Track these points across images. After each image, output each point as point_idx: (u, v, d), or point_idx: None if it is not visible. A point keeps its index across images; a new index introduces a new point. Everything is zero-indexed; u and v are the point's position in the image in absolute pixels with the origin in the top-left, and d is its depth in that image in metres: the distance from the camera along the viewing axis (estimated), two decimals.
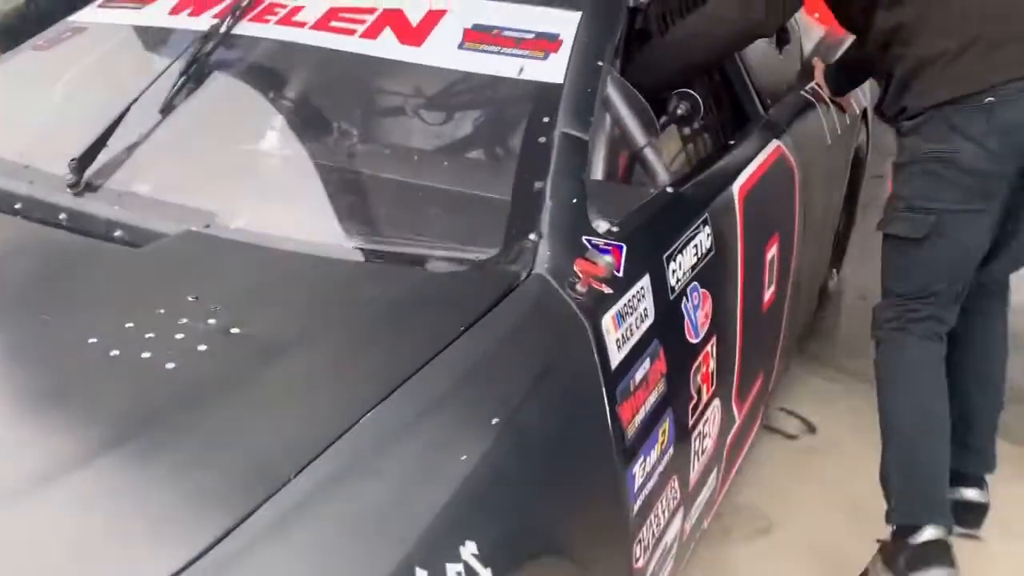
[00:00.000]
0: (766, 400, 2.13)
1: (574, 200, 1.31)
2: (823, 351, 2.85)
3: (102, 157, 1.45)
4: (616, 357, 1.20)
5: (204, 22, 1.72)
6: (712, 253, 1.54)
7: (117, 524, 0.79)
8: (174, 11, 1.81)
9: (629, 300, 1.26)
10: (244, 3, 1.73)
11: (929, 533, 1.76)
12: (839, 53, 2.51)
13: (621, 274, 1.26)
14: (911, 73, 1.77)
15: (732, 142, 1.90)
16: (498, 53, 1.53)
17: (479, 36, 1.57)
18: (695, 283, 1.47)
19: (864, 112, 2.91)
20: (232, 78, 1.65)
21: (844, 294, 3.25)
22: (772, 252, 1.87)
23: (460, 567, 0.82)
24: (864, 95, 2.83)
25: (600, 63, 1.51)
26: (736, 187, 1.69)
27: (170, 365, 0.98)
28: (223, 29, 1.66)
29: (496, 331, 1.08)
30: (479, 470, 0.90)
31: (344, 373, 0.99)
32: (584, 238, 1.27)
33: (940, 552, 1.75)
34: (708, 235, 1.54)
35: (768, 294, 1.87)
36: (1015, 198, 1.79)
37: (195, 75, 1.60)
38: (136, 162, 1.46)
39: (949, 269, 1.80)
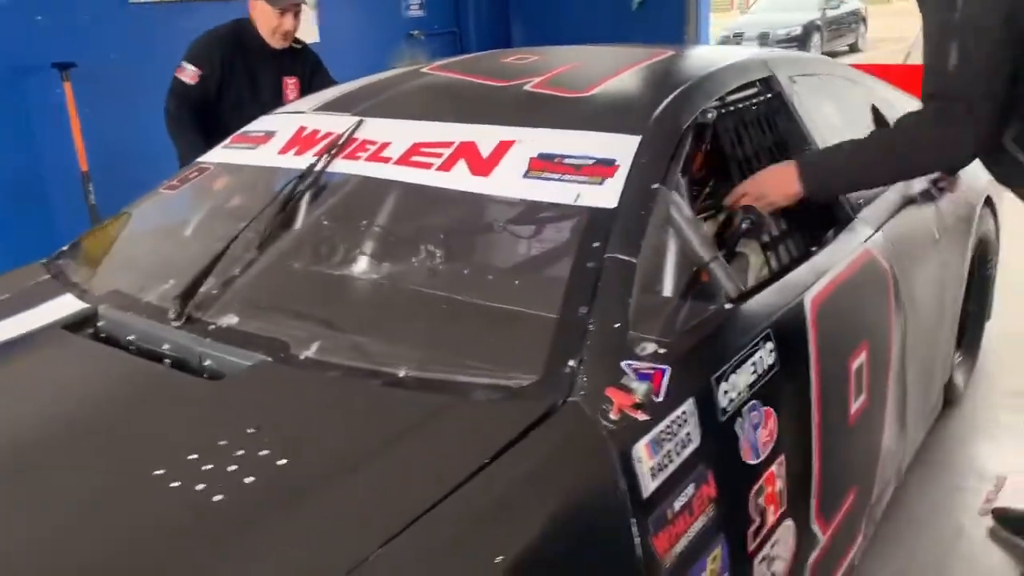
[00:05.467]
0: (871, 514, 2.02)
1: (616, 324, 1.35)
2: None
3: (204, 291, 1.63)
4: (650, 486, 1.21)
5: (306, 160, 1.90)
6: (776, 369, 1.52)
7: None
8: (282, 151, 2.01)
9: (668, 426, 1.27)
10: (341, 142, 1.91)
11: None
12: None
13: (661, 399, 1.27)
14: None
15: (814, 248, 1.87)
16: (559, 180, 1.60)
17: (543, 164, 1.65)
18: (755, 401, 1.46)
19: (988, 200, 2.77)
20: (317, 213, 1.82)
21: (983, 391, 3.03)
22: (859, 361, 1.81)
23: None
24: (982, 183, 2.70)
25: (655, 186, 1.56)
26: (808, 299, 1.66)
27: (217, 497, 1.09)
28: (318, 167, 1.84)
29: (518, 465, 1.12)
30: None
31: (362, 509, 1.06)
32: (624, 363, 1.30)
33: None
34: (771, 351, 1.52)
35: (856, 405, 1.80)
36: None
37: (290, 212, 1.78)
38: (231, 296, 1.63)
39: None
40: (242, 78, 3.05)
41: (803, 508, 1.60)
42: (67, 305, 1.74)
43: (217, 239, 1.75)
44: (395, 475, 1.12)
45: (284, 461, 1.15)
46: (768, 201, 1.76)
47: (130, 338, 1.60)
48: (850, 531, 1.88)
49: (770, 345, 1.52)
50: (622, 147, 1.63)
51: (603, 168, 1.60)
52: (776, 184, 1.79)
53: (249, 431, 1.22)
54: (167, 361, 1.52)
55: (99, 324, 1.68)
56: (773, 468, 1.49)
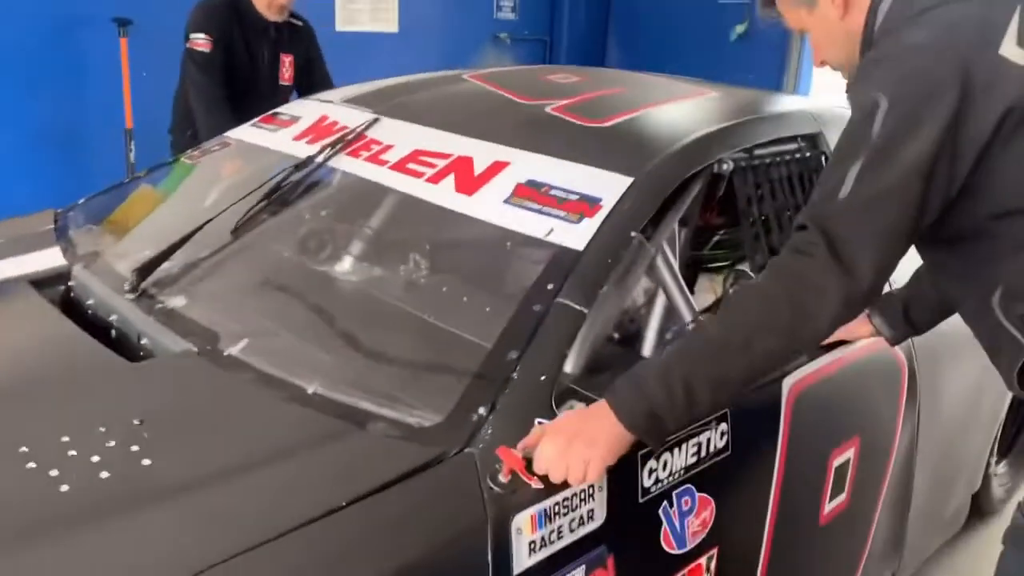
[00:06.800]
0: None
1: (543, 376, 1.25)
2: None
3: (166, 267, 1.61)
4: (524, 562, 1.11)
5: (313, 150, 1.87)
6: (726, 455, 1.39)
7: None
8: (298, 137, 1.98)
9: (566, 499, 1.16)
10: (350, 137, 1.87)
11: None
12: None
13: None
14: None
15: None
16: (538, 211, 1.51)
17: (528, 192, 1.55)
18: (688, 486, 1.33)
19: None
20: (299, 205, 1.78)
21: None
22: (844, 458, 1.64)
23: None
24: None
25: (633, 233, 1.44)
26: (786, 385, 1.51)
27: (64, 488, 1.05)
28: (318, 159, 1.81)
29: (378, 513, 1.05)
30: None
31: (201, 527, 1.01)
32: (537, 420, 1.20)
33: None
34: (723, 434, 1.39)
35: (832, 505, 1.64)
36: None
37: (275, 201, 1.75)
38: (189, 276, 1.61)
39: None
40: (240, 51, 2.91)
41: None
42: (50, 259, 1.76)
43: (203, 217, 1.73)
44: (251, 498, 1.06)
45: (148, 462, 1.11)
46: (600, 452, 1.13)
47: (89, 303, 1.60)
48: None
49: (723, 427, 1.38)
50: (612, 186, 1.52)
51: (586, 206, 1.49)
52: (599, 425, 1.15)
53: (134, 422, 1.18)
54: (113, 332, 1.51)
55: (70, 283, 1.69)
56: (701, 561, 1.36)
